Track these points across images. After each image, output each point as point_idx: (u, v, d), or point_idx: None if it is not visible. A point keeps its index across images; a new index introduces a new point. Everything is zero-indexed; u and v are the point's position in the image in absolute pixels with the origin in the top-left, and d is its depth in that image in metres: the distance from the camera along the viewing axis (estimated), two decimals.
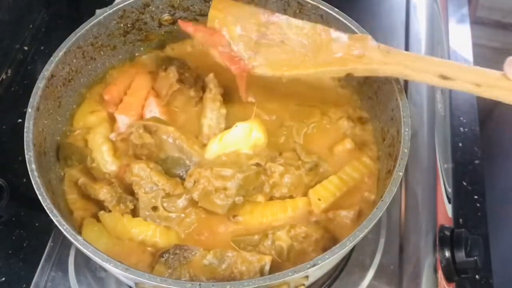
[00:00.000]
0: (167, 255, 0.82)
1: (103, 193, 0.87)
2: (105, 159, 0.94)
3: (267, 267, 0.81)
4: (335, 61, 0.85)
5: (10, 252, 1.04)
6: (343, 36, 0.87)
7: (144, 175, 0.88)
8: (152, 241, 0.86)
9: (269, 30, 0.89)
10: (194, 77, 1.01)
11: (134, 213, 0.89)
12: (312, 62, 0.87)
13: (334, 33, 0.87)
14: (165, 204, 0.88)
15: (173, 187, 0.88)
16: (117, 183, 0.90)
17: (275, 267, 0.82)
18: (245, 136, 0.93)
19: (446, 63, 0.83)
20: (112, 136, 0.96)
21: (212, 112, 0.97)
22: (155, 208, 0.88)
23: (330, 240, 0.86)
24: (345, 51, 0.85)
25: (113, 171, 0.93)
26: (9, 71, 1.30)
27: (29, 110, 0.84)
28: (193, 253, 0.82)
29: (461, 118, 1.36)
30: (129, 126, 0.95)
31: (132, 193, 0.89)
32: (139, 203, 0.88)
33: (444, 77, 0.80)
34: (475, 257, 0.99)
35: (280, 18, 0.90)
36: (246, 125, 0.93)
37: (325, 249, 0.81)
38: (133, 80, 1.03)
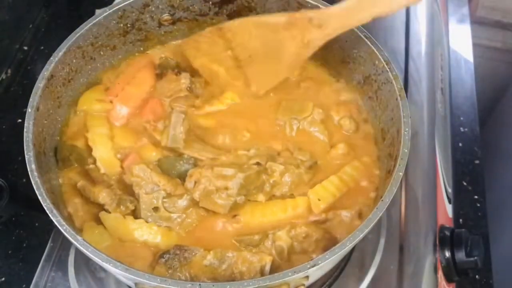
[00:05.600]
0: (167, 255, 0.82)
1: (102, 196, 0.87)
2: (106, 157, 0.93)
3: (267, 267, 0.81)
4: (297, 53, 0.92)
5: (10, 252, 1.04)
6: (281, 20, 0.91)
7: (144, 175, 0.88)
8: (154, 242, 0.85)
9: (235, 47, 0.95)
10: (203, 87, 1.01)
11: (135, 213, 0.89)
12: (284, 64, 0.95)
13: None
14: (166, 205, 0.88)
15: (174, 187, 0.88)
16: (116, 185, 0.90)
17: (275, 267, 0.82)
18: None
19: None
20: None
21: None
22: (156, 209, 0.88)
23: (330, 240, 0.85)
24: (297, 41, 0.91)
25: (113, 171, 0.93)
26: (9, 71, 1.30)
27: (29, 110, 0.84)
28: (193, 254, 0.82)
29: (461, 118, 1.36)
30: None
31: (131, 192, 0.89)
32: (140, 203, 0.88)
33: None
34: (475, 257, 0.99)
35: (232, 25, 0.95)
36: None
37: (325, 249, 0.81)
38: (139, 71, 1.02)
